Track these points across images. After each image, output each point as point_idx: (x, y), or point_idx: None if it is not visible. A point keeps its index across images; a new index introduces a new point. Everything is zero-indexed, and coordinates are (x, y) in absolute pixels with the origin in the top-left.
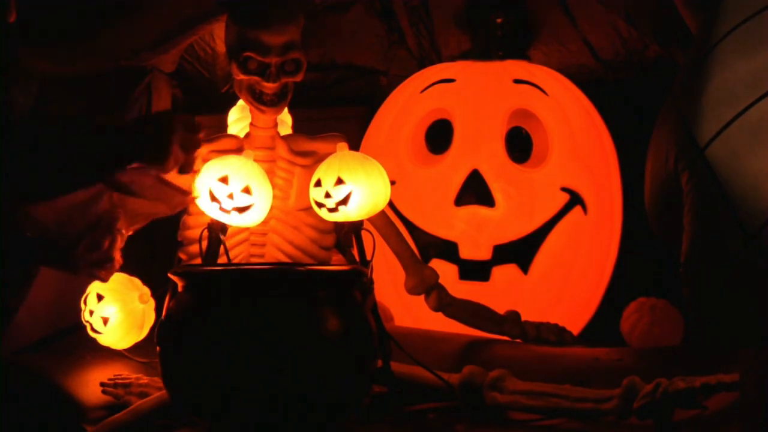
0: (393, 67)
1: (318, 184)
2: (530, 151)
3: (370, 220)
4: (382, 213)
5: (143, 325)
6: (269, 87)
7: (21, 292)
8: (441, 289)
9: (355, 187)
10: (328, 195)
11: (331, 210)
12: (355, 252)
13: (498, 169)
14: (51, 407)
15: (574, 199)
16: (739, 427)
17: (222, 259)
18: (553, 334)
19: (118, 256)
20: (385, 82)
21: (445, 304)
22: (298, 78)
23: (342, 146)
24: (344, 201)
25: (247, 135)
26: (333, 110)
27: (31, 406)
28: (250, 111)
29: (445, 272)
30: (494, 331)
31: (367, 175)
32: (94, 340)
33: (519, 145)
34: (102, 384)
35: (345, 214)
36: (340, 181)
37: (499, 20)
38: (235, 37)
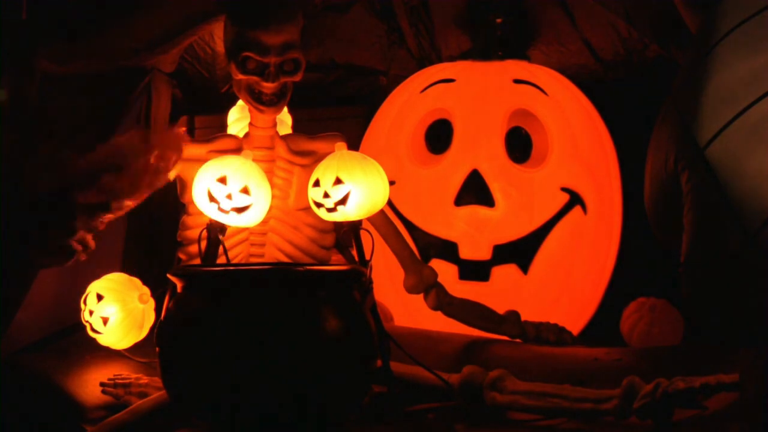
0: (393, 67)
1: (317, 183)
2: (530, 151)
3: (369, 219)
4: (381, 212)
5: (143, 325)
6: (268, 87)
7: (21, 287)
8: (440, 288)
9: (353, 186)
10: (326, 195)
11: (329, 210)
12: (354, 252)
13: (498, 169)
14: (51, 407)
15: (574, 199)
16: (739, 427)
17: (221, 259)
18: (553, 334)
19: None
20: (385, 82)
21: (444, 303)
22: (297, 78)
23: (340, 146)
24: (343, 201)
25: (247, 135)
26: (333, 110)
27: (31, 406)
28: (250, 111)
29: (445, 272)
30: (494, 331)
31: (366, 175)
32: (94, 340)
33: (519, 145)
34: (102, 384)
35: (344, 214)
36: (338, 181)
37: (499, 20)
38: (234, 37)
